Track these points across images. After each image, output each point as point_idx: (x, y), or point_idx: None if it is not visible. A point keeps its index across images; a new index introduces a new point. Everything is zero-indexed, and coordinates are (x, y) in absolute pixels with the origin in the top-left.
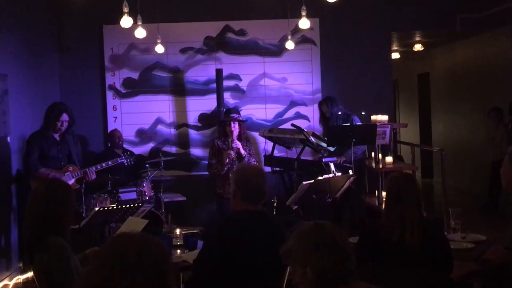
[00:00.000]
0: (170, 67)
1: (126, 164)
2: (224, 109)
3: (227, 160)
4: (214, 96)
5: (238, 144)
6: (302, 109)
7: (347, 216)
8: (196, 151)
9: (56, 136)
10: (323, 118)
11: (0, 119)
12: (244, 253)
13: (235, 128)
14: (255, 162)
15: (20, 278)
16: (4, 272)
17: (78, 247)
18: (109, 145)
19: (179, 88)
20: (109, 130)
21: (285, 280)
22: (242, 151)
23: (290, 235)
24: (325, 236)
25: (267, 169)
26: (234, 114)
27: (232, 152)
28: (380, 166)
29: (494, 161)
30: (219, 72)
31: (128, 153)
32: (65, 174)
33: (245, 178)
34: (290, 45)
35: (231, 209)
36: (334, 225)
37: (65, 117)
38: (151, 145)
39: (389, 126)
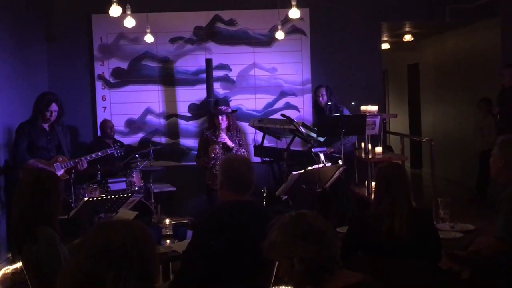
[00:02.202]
0: (160, 57)
1: (116, 155)
2: (213, 100)
3: (212, 155)
4: (204, 86)
5: (224, 138)
6: (292, 99)
7: (336, 206)
8: (186, 141)
9: (46, 126)
10: (316, 107)
11: None
12: (233, 243)
13: (223, 120)
14: (245, 153)
15: (9, 268)
16: None
17: (67, 237)
18: (100, 135)
19: (168, 78)
20: (98, 120)
21: (275, 270)
22: (230, 143)
23: (271, 229)
24: (308, 225)
25: (257, 159)
26: (223, 107)
27: (217, 147)
28: (370, 156)
29: (483, 151)
30: (209, 62)
31: (118, 144)
32: (54, 164)
33: (231, 169)
34: (280, 35)
35: (219, 200)
36: (315, 213)
37: (54, 107)
38: (140, 135)
39: (379, 116)
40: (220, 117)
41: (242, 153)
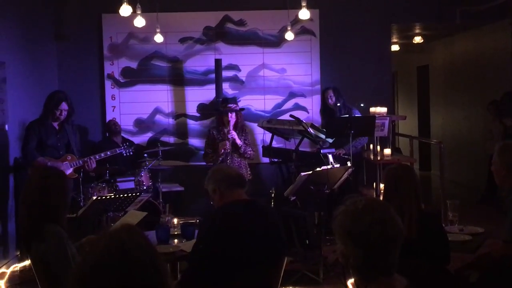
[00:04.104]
0: (169, 56)
1: (124, 154)
2: (221, 99)
3: (222, 150)
4: (213, 86)
5: (234, 135)
6: (301, 100)
7: None
8: (195, 141)
9: (55, 125)
10: (324, 108)
11: None
12: (239, 243)
13: (232, 118)
14: (251, 152)
15: (17, 266)
16: (1, 260)
17: (76, 236)
18: (108, 134)
19: (178, 78)
20: (107, 119)
21: (283, 269)
22: (238, 141)
23: (344, 203)
24: (365, 226)
25: (266, 160)
26: (232, 104)
27: (227, 143)
28: (378, 158)
29: (492, 154)
30: (218, 62)
31: (127, 143)
32: (64, 163)
33: (223, 169)
34: (289, 36)
35: (216, 205)
36: (385, 212)
37: (64, 106)
38: (149, 134)
39: (388, 118)
40: (229, 114)
41: (249, 152)
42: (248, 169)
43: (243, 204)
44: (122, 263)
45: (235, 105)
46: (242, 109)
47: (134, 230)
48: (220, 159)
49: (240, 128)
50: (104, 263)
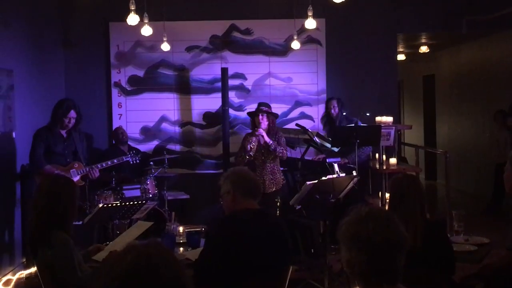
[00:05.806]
0: (176, 65)
1: (131, 162)
2: (227, 107)
3: (249, 147)
4: (219, 95)
5: (262, 132)
6: (306, 109)
7: None
8: (200, 150)
9: (63, 132)
10: (326, 117)
11: (5, 114)
12: (246, 251)
13: (263, 120)
14: (283, 150)
15: (23, 273)
16: (7, 267)
17: (82, 243)
18: (114, 142)
19: (184, 86)
20: (114, 127)
21: (288, 278)
22: (266, 138)
23: (348, 211)
24: (368, 232)
25: None
26: (263, 107)
27: (254, 138)
28: (384, 167)
29: (498, 163)
30: (224, 71)
31: (134, 151)
32: (71, 170)
33: (241, 175)
34: (295, 45)
35: (226, 209)
36: (387, 220)
37: (72, 113)
38: (155, 142)
39: (394, 127)
40: (260, 116)
41: (280, 150)
42: (282, 174)
43: (252, 213)
44: (148, 279)
45: (266, 108)
46: (276, 115)
47: (161, 246)
48: (250, 154)
49: (274, 133)
50: (131, 277)
